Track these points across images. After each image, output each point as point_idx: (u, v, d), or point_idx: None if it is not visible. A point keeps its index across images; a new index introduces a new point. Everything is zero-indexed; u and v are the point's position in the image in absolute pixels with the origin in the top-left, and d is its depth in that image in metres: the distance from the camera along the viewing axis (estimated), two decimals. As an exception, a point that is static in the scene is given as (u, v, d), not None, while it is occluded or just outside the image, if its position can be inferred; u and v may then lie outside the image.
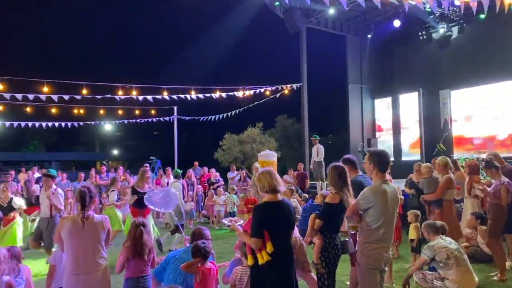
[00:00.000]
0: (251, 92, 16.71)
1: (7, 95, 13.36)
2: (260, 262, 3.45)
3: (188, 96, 15.88)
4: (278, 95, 17.14)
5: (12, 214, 7.72)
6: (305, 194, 11.69)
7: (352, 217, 3.95)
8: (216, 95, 16.07)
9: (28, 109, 17.83)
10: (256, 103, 18.02)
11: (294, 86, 17.01)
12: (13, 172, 15.53)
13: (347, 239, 4.51)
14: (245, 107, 18.60)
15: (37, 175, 14.93)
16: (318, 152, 13.39)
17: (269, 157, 14.08)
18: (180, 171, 11.54)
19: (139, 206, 7.63)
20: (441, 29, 16.44)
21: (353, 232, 4.35)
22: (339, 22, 18.62)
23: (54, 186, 7.22)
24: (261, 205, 3.64)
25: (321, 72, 22.68)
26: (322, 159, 13.32)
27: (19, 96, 13.66)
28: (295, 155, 27.46)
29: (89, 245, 3.78)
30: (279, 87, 16.89)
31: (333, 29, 18.58)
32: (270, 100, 17.61)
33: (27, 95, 13.68)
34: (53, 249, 6.48)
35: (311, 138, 14.21)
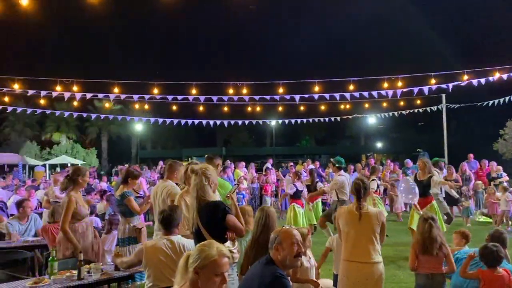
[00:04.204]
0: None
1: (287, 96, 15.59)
2: None
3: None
4: None
5: None
6: None
7: None
8: (495, 77, 13.85)
9: (301, 108, 19.96)
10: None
11: None
12: (291, 164, 17.66)
13: None
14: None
15: (311, 166, 16.41)
16: None
17: None
18: None
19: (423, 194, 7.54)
20: None
21: None
22: None
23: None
24: None
25: None
26: None
27: (296, 97, 15.62)
28: None
29: (364, 236, 3.84)
30: None
31: None
32: None
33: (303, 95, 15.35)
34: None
35: None
